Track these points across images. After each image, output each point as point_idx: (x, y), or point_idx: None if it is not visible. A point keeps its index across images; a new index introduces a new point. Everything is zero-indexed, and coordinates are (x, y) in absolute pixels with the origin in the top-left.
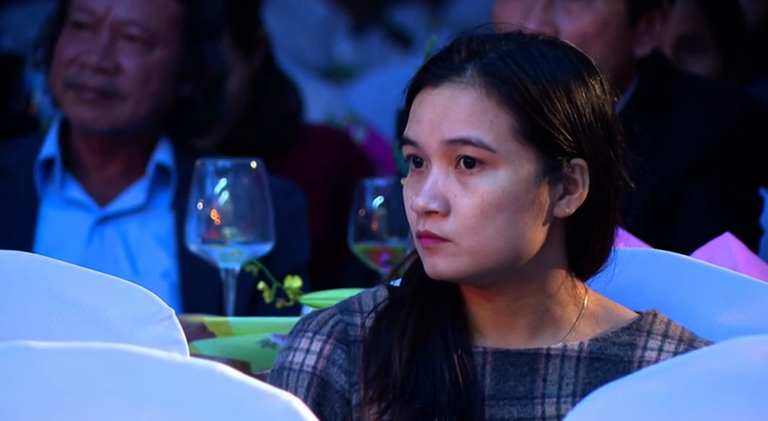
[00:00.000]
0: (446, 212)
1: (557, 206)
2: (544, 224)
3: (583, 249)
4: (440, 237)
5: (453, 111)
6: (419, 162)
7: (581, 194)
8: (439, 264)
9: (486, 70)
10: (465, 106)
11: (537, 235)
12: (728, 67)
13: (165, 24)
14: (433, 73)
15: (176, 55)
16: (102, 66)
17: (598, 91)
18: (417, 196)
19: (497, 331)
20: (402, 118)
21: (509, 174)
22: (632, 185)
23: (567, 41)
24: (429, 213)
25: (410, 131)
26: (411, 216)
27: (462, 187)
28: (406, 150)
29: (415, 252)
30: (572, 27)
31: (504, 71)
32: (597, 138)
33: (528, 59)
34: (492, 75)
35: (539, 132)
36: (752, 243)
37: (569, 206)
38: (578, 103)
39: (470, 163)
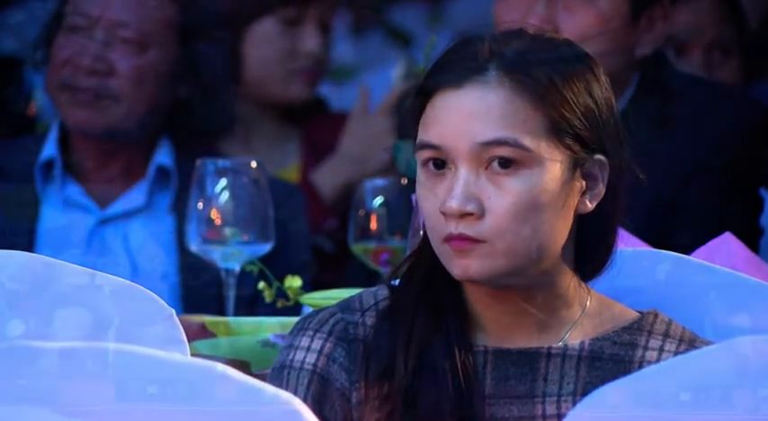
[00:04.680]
0: (481, 214)
1: (579, 202)
2: (569, 221)
3: (592, 248)
4: (475, 239)
5: (484, 113)
6: (440, 164)
7: (600, 190)
8: (472, 266)
9: (510, 69)
10: (496, 107)
11: (563, 233)
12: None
13: (160, 25)
14: (454, 74)
15: (172, 56)
16: (95, 67)
17: (608, 87)
18: (450, 199)
19: (501, 330)
20: (405, 119)
21: (542, 172)
22: (643, 180)
23: (570, 39)
24: (463, 216)
25: (432, 135)
26: (436, 219)
27: (495, 188)
28: (426, 154)
29: (414, 253)
30: (573, 24)
31: (529, 69)
32: (614, 133)
33: (547, 56)
34: (519, 73)
35: (567, 129)
36: (752, 243)
37: (591, 202)
38: (597, 98)
39: (504, 163)
